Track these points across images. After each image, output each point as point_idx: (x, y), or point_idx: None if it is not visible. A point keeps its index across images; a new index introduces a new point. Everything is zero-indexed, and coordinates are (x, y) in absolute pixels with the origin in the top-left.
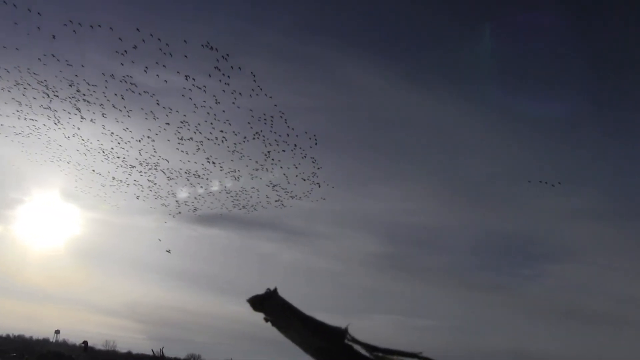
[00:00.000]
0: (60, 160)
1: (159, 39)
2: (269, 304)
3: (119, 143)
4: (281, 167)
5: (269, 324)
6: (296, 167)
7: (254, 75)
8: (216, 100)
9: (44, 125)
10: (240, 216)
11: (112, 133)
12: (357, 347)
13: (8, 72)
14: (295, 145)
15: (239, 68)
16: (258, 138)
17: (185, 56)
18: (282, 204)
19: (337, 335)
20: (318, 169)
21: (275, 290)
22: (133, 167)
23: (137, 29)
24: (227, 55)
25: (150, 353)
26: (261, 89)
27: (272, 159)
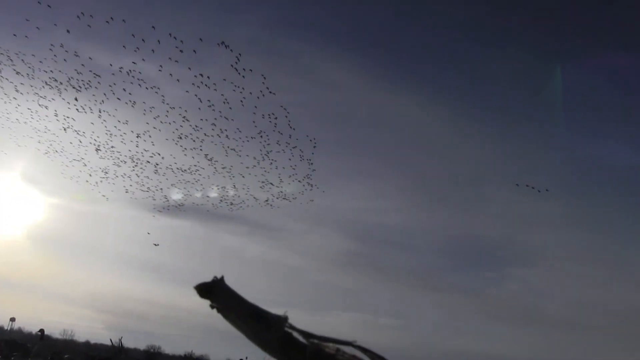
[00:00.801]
0: (32, 141)
1: (175, 38)
2: (215, 291)
3: (112, 135)
4: (276, 168)
5: (215, 310)
6: (293, 169)
7: (264, 77)
8: (225, 99)
9: (36, 112)
10: (205, 208)
11: (104, 121)
12: (295, 334)
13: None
14: (295, 147)
15: (250, 70)
16: (261, 137)
17: (194, 50)
18: (271, 205)
19: (277, 322)
20: (313, 171)
21: (221, 278)
22: (123, 162)
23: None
24: (240, 55)
25: (109, 343)
26: (270, 91)
27: (271, 160)
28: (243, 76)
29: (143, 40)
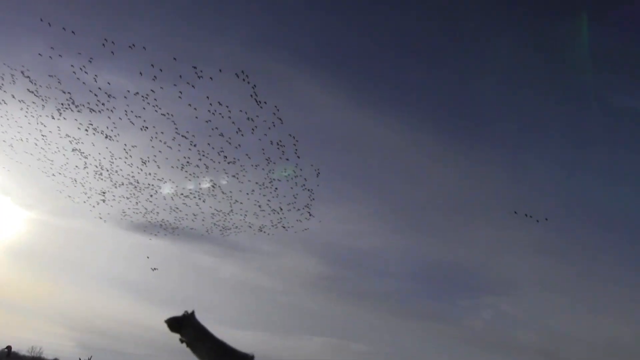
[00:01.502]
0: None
1: (195, 68)
2: (185, 326)
3: (117, 157)
4: (276, 196)
5: (184, 345)
6: (294, 197)
7: (277, 109)
8: (238, 129)
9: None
10: (180, 226)
11: (108, 148)
12: None
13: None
14: (299, 176)
15: (265, 102)
16: (267, 164)
17: (211, 78)
18: (264, 232)
19: (243, 359)
20: (312, 199)
21: (192, 313)
22: (121, 184)
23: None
24: (255, 86)
25: None
26: (282, 122)
27: (276, 188)
28: (261, 107)
29: (161, 70)
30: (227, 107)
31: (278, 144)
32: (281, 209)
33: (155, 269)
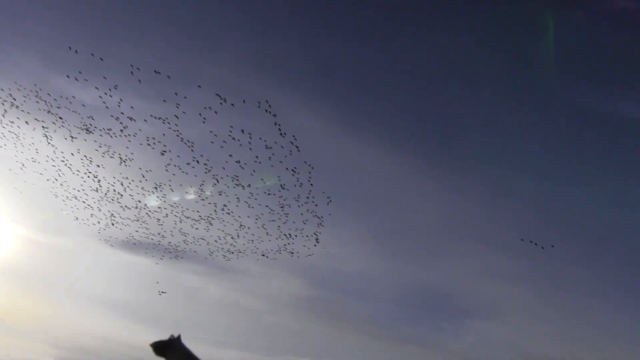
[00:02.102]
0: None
1: (220, 96)
2: (171, 350)
3: (127, 183)
4: (285, 222)
5: None
6: (304, 223)
7: (295, 138)
8: (256, 158)
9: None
10: (166, 245)
11: (126, 177)
12: None
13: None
14: (312, 201)
15: (284, 134)
16: (283, 189)
17: (232, 104)
18: (267, 257)
19: None
20: (322, 226)
21: (178, 337)
22: (127, 207)
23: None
24: (275, 116)
25: None
26: (299, 150)
27: (286, 214)
28: (283, 136)
29: (185, 97)
30: (250, 134)
31: (293, 171)
32: (290, 235)
33: (163, 292)
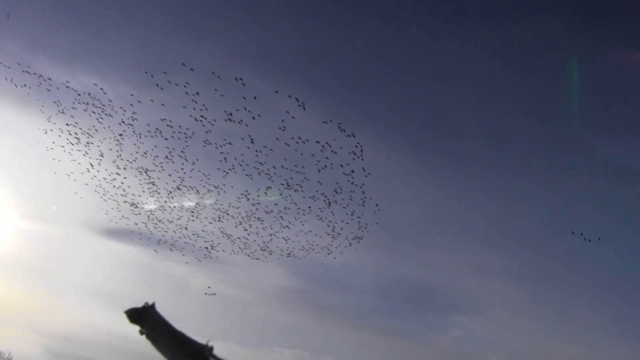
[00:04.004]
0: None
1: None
2: (145, 317)
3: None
4: (328, 224)
5: (145, 337)
6: (348, 220)
7: (361, 149)
8: (318, 162)
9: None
10: (152, 234)
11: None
12: None
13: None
14: (360, 205)
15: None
16: (338, 192)
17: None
18: (294, 255)
19: (201, 351)
20: (365, 232)
21: (152, 304)
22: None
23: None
24: (340, 123)
25: None
26: (362, 159)
27: (332, 212)
28: (347, 135)
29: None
30: (307, 140)
31: (350, 174)
32: (334, 233)
33: (213, 294)
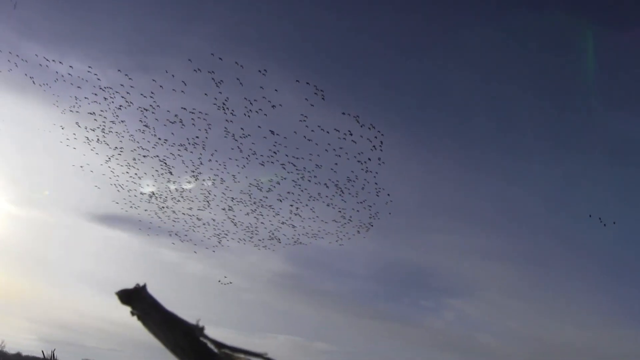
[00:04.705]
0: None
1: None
2: (136, 298)
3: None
4: (339, 212)
5: (136, 318)
6: (357, 212)
7: (381, 146)
8: (334, 149)
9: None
10: (145, 220)
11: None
12: (209, 344)
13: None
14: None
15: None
16: (352, 181)
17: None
18: (301, 242)
19: (192, 331)
20: (377, 219)
21: (144, 286)
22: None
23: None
24: (358, 116)
25: (41, 356)
26: (381, 149)
27: (344, 200)
28: (369, 128)
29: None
30: (328, 131)
31: (367, 161)
32: (344, 220)
33: (229, 282)
